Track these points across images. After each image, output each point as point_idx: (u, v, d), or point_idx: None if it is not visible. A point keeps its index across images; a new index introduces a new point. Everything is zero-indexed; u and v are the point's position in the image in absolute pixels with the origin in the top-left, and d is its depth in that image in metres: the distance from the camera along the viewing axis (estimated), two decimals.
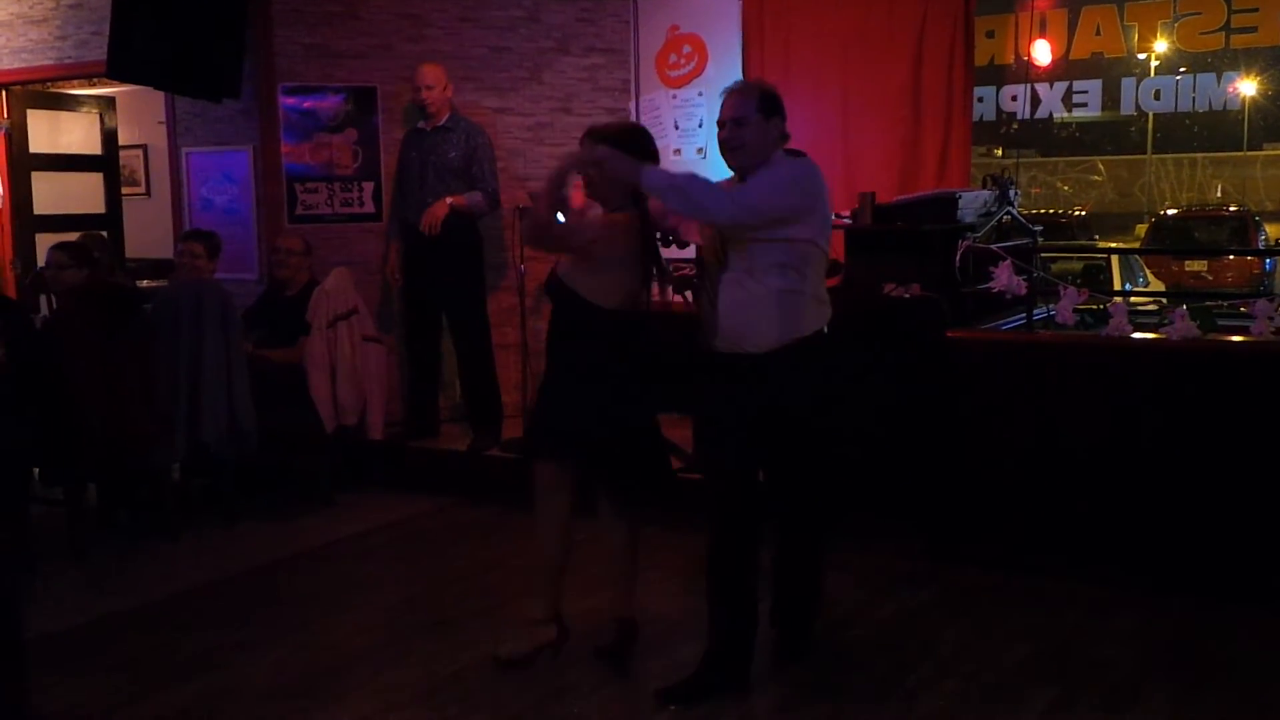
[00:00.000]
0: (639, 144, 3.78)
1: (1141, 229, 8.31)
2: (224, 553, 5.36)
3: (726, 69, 6.93)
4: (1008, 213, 5.91)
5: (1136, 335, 4.94)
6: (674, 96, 7.11)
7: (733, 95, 3.69)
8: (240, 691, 3.88)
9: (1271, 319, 4.85)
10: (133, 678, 4.00)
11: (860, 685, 3.87)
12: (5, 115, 7.80)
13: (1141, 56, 8.43)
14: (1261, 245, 9.23)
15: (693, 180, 3.63)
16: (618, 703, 3.75)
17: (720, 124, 3.67)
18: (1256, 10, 8.05)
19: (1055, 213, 8.71)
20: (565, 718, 3.65)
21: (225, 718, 3.70)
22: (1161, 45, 8.57)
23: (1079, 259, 7.37)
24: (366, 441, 6.23)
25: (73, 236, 6.05)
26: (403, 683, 3.92)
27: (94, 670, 4.08)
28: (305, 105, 6.72)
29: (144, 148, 9.72)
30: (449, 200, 6.19)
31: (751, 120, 3.61)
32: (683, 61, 7.11)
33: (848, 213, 5.75)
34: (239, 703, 3.80)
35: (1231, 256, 7.46)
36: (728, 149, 3.68)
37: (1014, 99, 8.89)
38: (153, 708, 3.76)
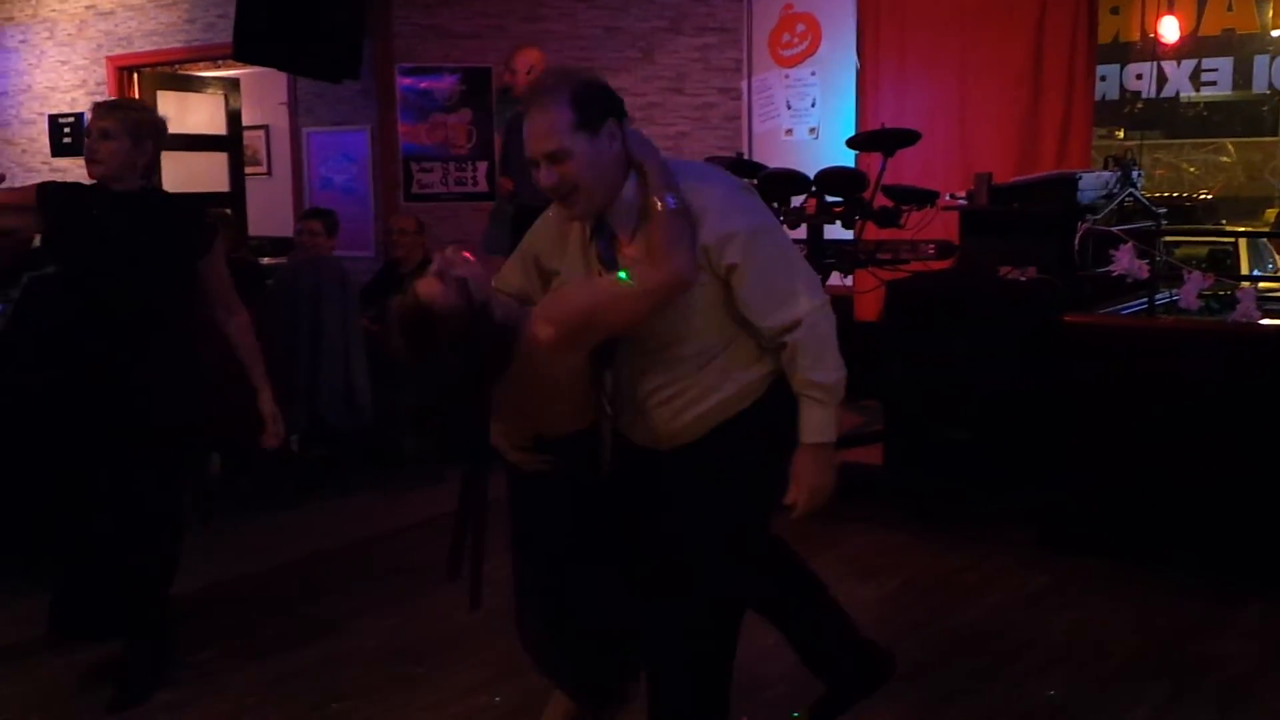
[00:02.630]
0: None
1: (1271, 214, 8.01)
2: (340, 522, 5.48)
3: (841, 48, 6.89)
4: (1130, 195, 5.79)
5: (1265, 321, 4.79)
6: (786, 76, 7.09)
7: (532, 116, 2.47)
8: (355, 657, 3.96)
9: None
10: (252, 641, 4.11)
11: (966, 672, 3.83)
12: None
13: (1276, 34, 8.11)
14: None
15: (826, 368, 2.55)
16: None
17: (531, 164, 2.49)
18: None
19: (1180, 196, 8.43)
20: None
21: (341, 682, 3.77)
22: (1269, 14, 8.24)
23: (1205, 244, 7.14)
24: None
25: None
26: (514, 652, 3.93)
27: (216, 633, 4.20)
28: (421, 86, 6.85)
29: (266, 128, 9.96)
30: None
31: (574, 148, 2.42)
32: (796, 40, 7.08)
33: (963, 193, 5.72)
34: (354, 667, 3.88)
35: None
36: (559, 197, 2.51)
37: (1139, 78, 8.62)
38: (272, 670, 3.86)
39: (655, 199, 2.43)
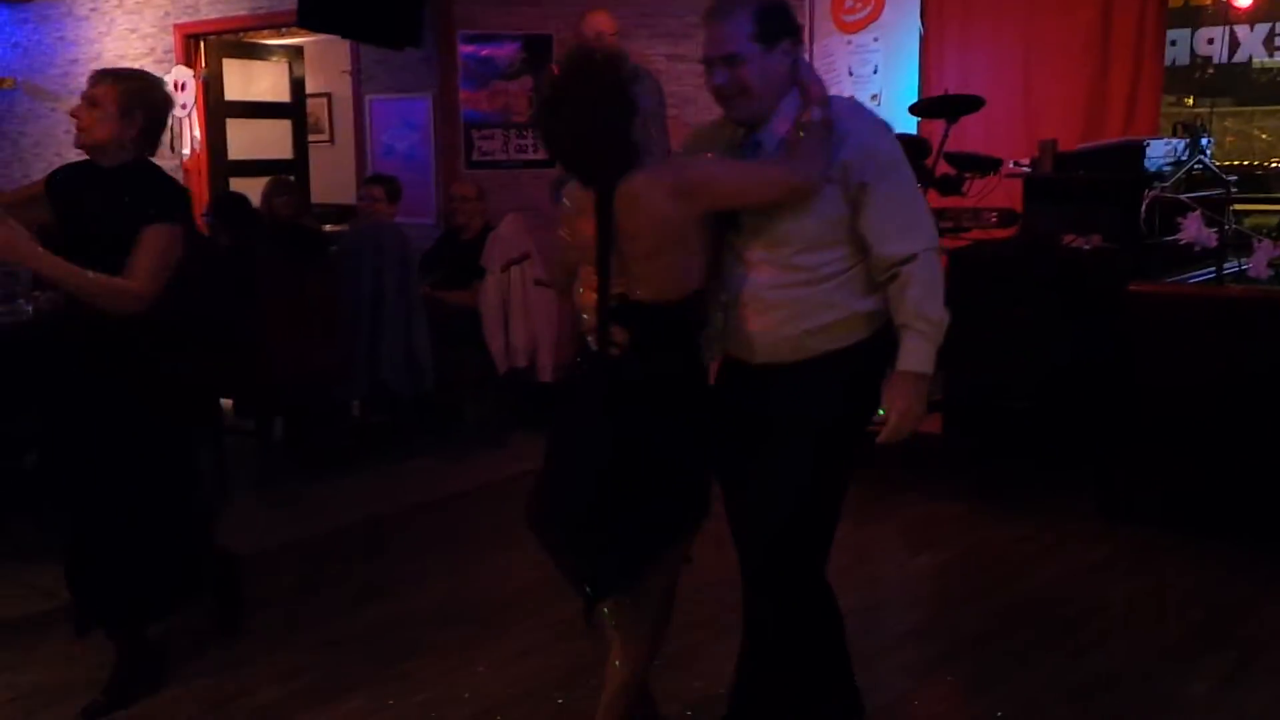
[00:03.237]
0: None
1: None
2: (400, 486, 5.55)
3: (905, 14, 6.80)
4: (1199, 162, 5.72)
5: None
6: (849, 42, 7.00)
7: (714, 22, 2.65)
8: (413, 618, 4.01)
9: None
10: (313, 602, 4.19)
11: (1025, 641, 3.83)
12: (204, 64, 8.17)
13: None
14: None
15: (929, 305, 2.67)
16: None
17: (706, 63, 2.67)
18: None
19: (1251, 164, 8.25)
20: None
21: (398, 642, 3.82)
22: None
23: (1276, 212, 7.00)
24: (536, 384, 6.30)
25: (263, 181, 6.29)
26: (569, 616, 3.95)
27: (279, 593, 4.27)
28: (483, 53, 6.86)
29: (328, 96, 10.04)
30: None
31: (748, 54, 2.61)
32: (859, 6, 7.00)
33: (1027, 161, 5.69)
34: (412, 629, 3.93)
35: None
36: (724, 98, 2.70)
37: (1210, 42, 8.41)
38: (333, 631, 3.92)
39: (806, 112, 2.61)
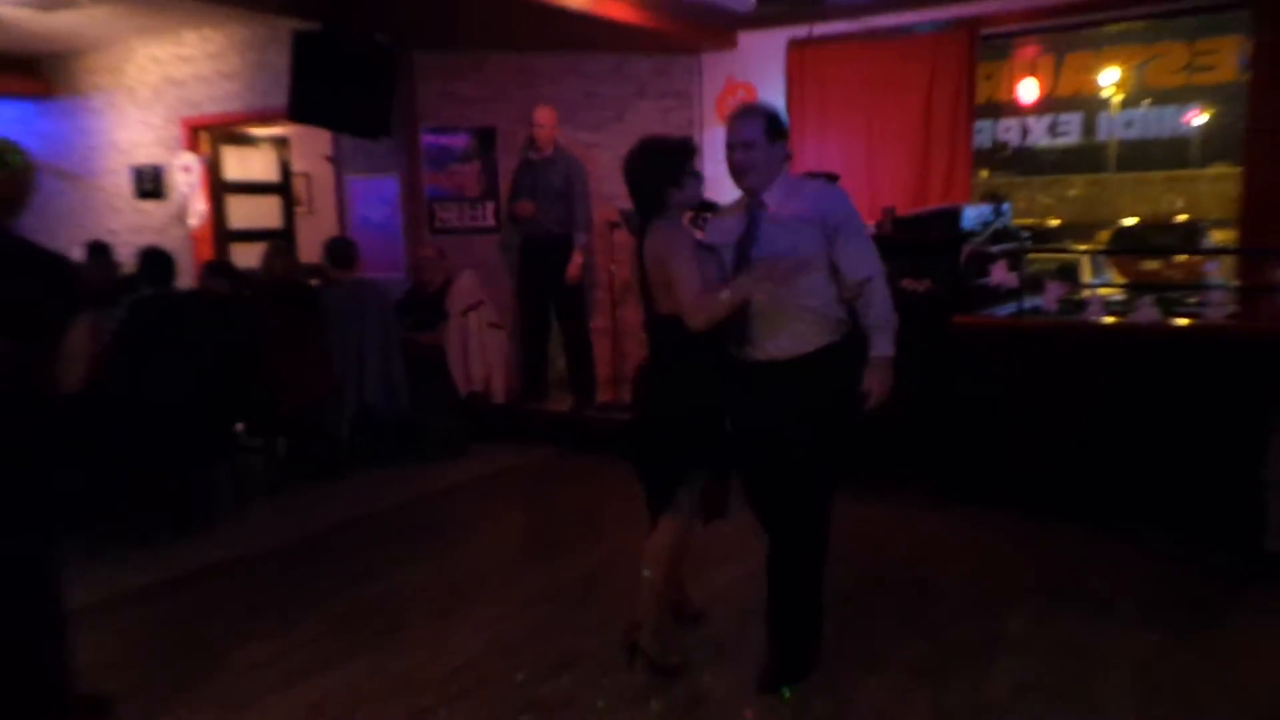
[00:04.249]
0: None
1: (1105, 235, 8.17)
2: (383, 490, 5.51)
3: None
4: (1001, 223, 5.84)
5: (1109, 320, 4.90)
6: None
7: (740, 119, 3.13)
8: (402, 595, 4.02)
9: (1223, 306, 4.81)
10: (312, 585, 4.17)
11: (886, 594, 3.92)
12: (204, 150, 8.05)
13: (1107, 96, 8.33)
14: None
15: (886, 311, 3.15)
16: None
17: (729, 146, 3.11)
18: (1216, 52, 7.90)
19: (1038, 224, 8.61)
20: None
21: (394, 614, 3.85)
22: (1110, 78, 8.42)
23: (1055, 259, 7.31)
24: (491, 405, 6.35)
25: (259, 247, 6.23)
26: (530, 588, 4.04)
27: (290, 580, 4.26)
28: (441, 141, 6.87)
29: (307, 175, 9.94)
30: (578, 261, 6.28)
31: (759, 143, 3.06)
32: (736, 104, 7.14)
33: (873, 223, 5.76)
34: (402, 603, 3.94)
35: (1181, 257, 7.34)
36: (738, 171, 3.12)
37: (1007, 130, 8.78)
38: (339, 607, 3.93)
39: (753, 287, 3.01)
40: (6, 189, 2.70)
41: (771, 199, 3.13)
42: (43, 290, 2.64)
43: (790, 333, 3.09)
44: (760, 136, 3.07)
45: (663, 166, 3.10)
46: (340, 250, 5.96)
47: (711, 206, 4.36)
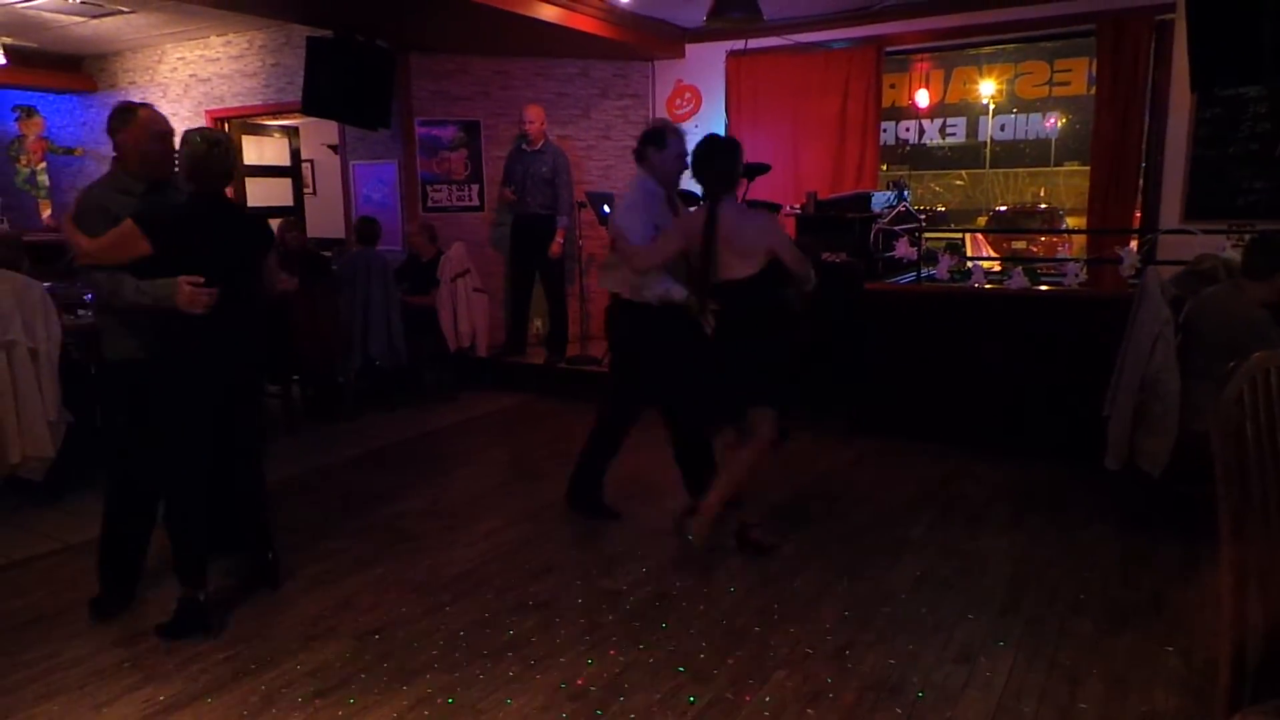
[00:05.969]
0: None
1: (982, 220, 8.37)
2: (386, 429, 5.48)
3: (715, 109, 6.96)
4: (903, 207, 5.96)
5: (988, 286, 5.00)
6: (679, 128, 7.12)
7: (679, 136, 3.70)
8: (408, 516, 4.01)
9: (1076, 276, 4.96)
10: (334, 508, 4.14)
11: (803, 510, 3.99)
12: None
13: (987, 103, 8.46)
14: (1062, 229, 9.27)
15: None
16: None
17: (680, 158, 3.67)
18: (1070, 70, 8.07)
19: (932, 208, 8.76)
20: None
21: (403, 530, 3.84)
22: (988, 90, 8.56)
23: (944, 239, 7.46)
24: (477, 358, 6.34)
25: (274, 223, 6.09)
26: (515, 508, 4.07)
27: (308, 504, 4.22)
28: (432, 133, 6.78)
29: (312, 161, 9.75)
30: (560, 240, 6.20)
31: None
32: (684, 104, 7.13)
33: (798, 205, 5.82)
34: (410, 522, 3.94)
35: (1044, 237, 7.56)
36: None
37: (907, 130, 8.88)
38: (354, 524, 3.91)
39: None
40: (192, 163, 2.93)
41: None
42: (266, 240, 3.18)
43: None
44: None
45: (740, 159, 3.35)
46: (367, 228, 5.88)
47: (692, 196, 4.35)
